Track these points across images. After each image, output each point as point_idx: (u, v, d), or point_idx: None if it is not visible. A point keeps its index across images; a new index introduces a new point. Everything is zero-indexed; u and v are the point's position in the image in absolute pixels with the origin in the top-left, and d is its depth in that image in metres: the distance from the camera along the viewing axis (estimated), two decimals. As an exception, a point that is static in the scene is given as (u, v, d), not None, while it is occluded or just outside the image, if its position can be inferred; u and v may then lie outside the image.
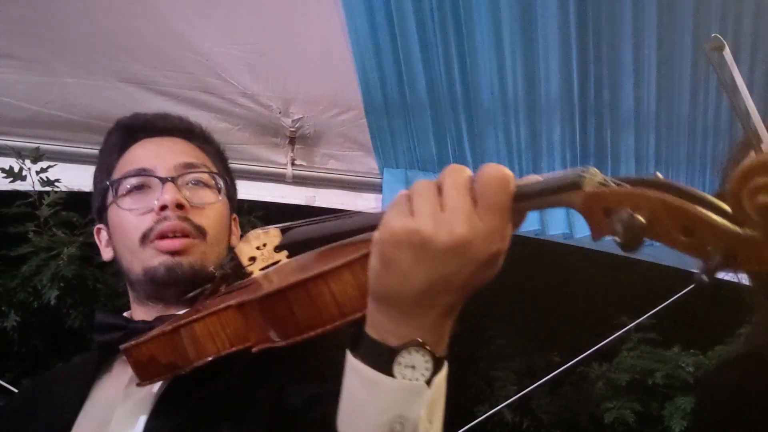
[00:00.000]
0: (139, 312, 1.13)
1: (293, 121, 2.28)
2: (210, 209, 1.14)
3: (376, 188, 2.35)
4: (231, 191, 1.26)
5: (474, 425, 2.50)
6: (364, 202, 2.43)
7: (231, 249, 1.22)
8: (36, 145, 2.11)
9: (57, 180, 2.16)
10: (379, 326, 0.63)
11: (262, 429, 0.85)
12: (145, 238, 1.08)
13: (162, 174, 1.11)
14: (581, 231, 2.31)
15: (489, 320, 4.04)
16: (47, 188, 2.18)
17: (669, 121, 2.27)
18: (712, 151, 2.31)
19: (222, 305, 0.82)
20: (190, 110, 2.15)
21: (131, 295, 1.16)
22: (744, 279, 1.26)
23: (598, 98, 2.22)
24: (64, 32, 1.98)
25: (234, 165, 1.34)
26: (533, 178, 0.66)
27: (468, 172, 0.66)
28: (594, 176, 0.57)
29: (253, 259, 0.98)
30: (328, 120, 2.29)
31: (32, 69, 2.03)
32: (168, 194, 1.08)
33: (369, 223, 0.74)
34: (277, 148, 2.36)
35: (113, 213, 1.15)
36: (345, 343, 0.67)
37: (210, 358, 0.83)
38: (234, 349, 0.81)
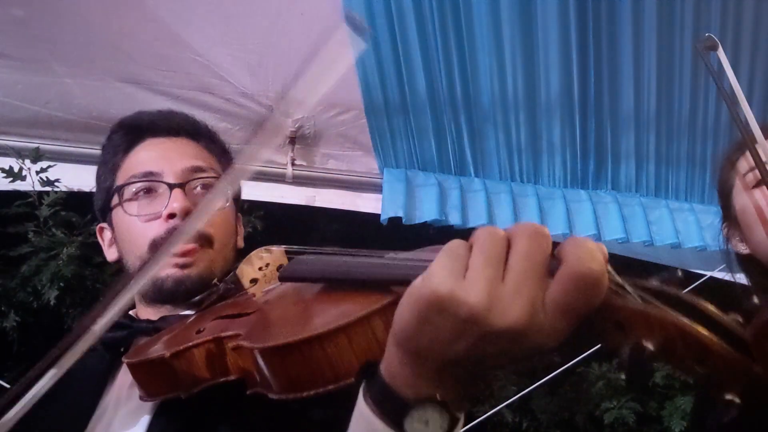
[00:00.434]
0: (144, 311, 1.13)
1: (293, 121, 2.28)
2: (217, 215, 1.12)
3: (376, 188, 2.34)
4: (237, 192, 1.25)
5: (474, 425, 2.50)
6: (364, 202, 2.43)
7: (238, 252, 1.22)
8: (36, 145, 2.11)
9: (57, 180, 2.16)
10: (396, 374, 0.57)
11: (266, 428, 0.85)
12: (154, 246, 1.07)
13: (169, 179, 1.10)
14: (581, 231, 2.31)
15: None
16: (47, 188, 2.17)
17: (669, 121, 2.27)
18: (712, 151, 2.31)
19: (221, 333, 0.80)
20: (189, 110, 2.12)
21: (136, 295, 1.16)
22: (742, 279, 1.26)
23: (598, 98, 2.22)
24: (64, 32, 1.98)
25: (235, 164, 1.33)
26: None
27: (548, 242, 0.54)
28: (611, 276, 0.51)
29: (255, 280, 0.96)
30: (328, 120, 2.29)
31: (32, 69, 2.03)
32: (176, 202, 1.06)
33: (389, 276, 0.67)
34: (277, 148, 2.36)
35: (119, 217, 1.13)
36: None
37: (209, 384, 0.82)
38: (233, 378, 0.79)
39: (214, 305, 1.01)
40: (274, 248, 0.97)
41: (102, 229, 1.23)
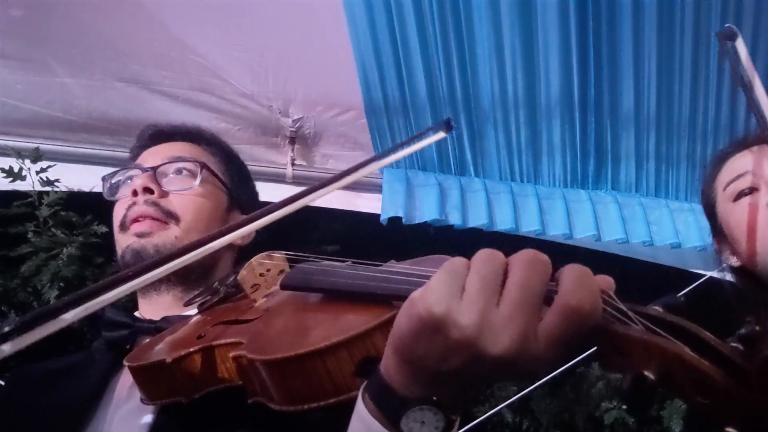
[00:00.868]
0: (145, 309, 1.14)
1: (293, 121, 2.28)
2: (188, 196, 1.15)
3: (376, 188, 2.34)
4: (237, 190, 1.27)
5: (474, 425, 2.50)
6: (364, 202, 2.43)
7: (236, 250, 1.23)
8: (36, 145, 2.11)
9: (57, 180, 2.16)
10: (394, 375, 0.58)
11: (269, 426, 0.85)
12: (122, 226, 1.14)
13: (145, 165, 1.18)
14: (581, 231, 2.31)
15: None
16: (47, 188, 2.17)
17: (669, 121, 2.27)
18: (712, 151, 2.30)
19: (222, 340, 0.80)
20: (190, 110, 2.16)
21: (138, 293, 1.18)
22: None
23: (598, 98, 2.22)
24: (64, 33, 1.98)
25: (246, 171, 1.37)
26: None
27: (547, 271, 0.55)
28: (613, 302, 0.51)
29: (256, 286, 0.97)
30: (328, 120, 2.29)
31: (31, 69, 2.03)
32: (139, 179, 1.14)
33: (390, 291, 0.67)
34: (277, 148, 2.36)
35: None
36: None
37: (210, 389, 0.82)
38: (234, 384, 0.79)
39: (215, 307, 1.01)
40: (276, 254, 0.98)
41: None
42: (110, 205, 1.26)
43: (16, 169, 2.10)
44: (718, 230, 1.26)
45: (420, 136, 1.21)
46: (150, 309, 1.13)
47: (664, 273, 2.48)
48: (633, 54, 2.13)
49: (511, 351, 0.52)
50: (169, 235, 1.11)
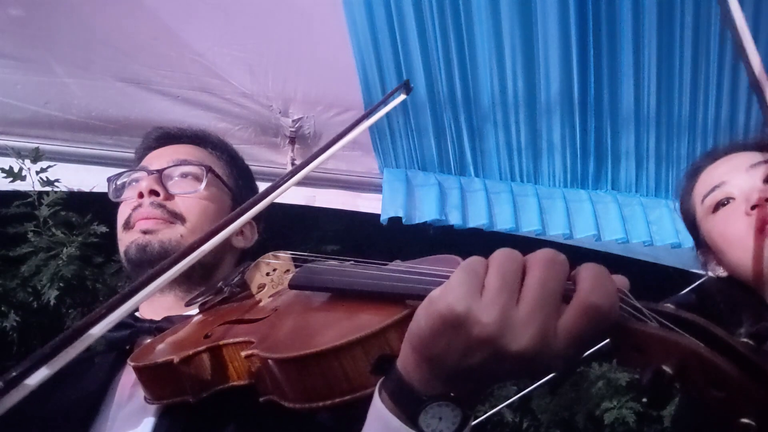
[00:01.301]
0: (146, 309, 1.14)
1: (293, 121, 2.28)
2: (193, 198, 1.17)
3: (376, 188, 2.34)
4: (242, 193, 1.28)
5: (474, 425, 2.50)
6: (364, 202, 2.43)
7: (238, 252, 1.23)
8: (36, 145, 2.11)
9: (57, 180, 2.16)
10: (412, 373, 0.59)
11: (276, 427, 0.85)
12: (126, 225, 1.16)
13: (151, 168, 1.19)
14: (581, 231, 2.31)
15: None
16: (47, 188, 2.17)
17: (669, 120, 2.27)
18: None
19: (231, 339, 0.80)
20: (189, 110, 2.15)
21: None
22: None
23: (598, 98, 2.22)
24: (63, 32, 1.98)
25: (251, 175, 1.38)
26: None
27: (565, 270, 0.56)
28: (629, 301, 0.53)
29: (262, 285, 0.97)
30: (328, 120, 2.29)
31: (31, 69, 2.03)
32: (144, 182, 1.15)
33: (405, 290, 0.67)
34: (277, 148, 2.36)
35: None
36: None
37: (218, 389, 0.82)
38: (242, 383, 0.79)
39: (217, 307, 1.01)
40: (282, 254, 0.98)
41: None
42: (110, 204, 1.26)
43: (16, 169, 2.10)
44: (701, 242, 1.26)
45: (383, 103, 1.22)
46: (151, 309, 1.13)
47: (664, 273, 2.48)
48: (633, 54, 2.13)
49: (531, 348, 0.53)
50: (174, 233, 1.13)
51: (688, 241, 2.37)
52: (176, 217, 1.15)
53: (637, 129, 2.29)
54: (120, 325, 1.07)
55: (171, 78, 2.12)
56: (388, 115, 2.22)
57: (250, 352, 0.75)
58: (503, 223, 2.25)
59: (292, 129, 2.29)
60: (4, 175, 2.10)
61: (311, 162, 1.02)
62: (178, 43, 2.03)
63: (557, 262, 0.56)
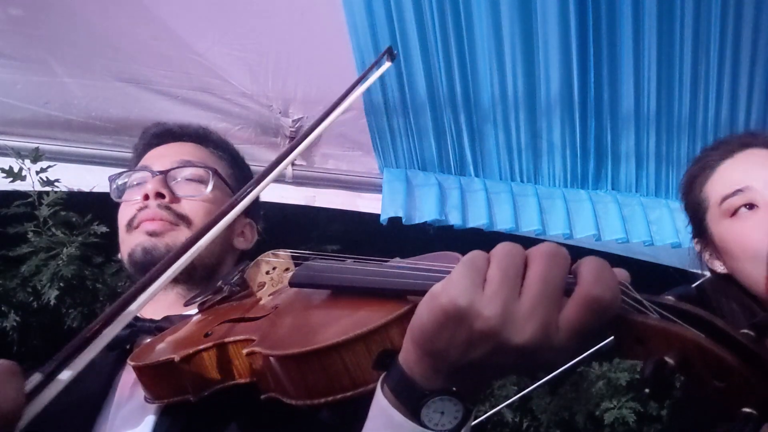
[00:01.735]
0: (146, 308, 1.14)
1: (293, 121, 2.28)
2: (196, 200, 1.17)
3: (376, 188, 2.34)
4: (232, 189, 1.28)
5: (474, 425, 2.50)
6: (364, 202, 2.43)
7: (238, 254, 1.23)
8: (36, 145, 2.11)
9: (57, 180, 2.16)
10: (414, 367, 0.59)
11: (271, 428, 0.85)
12: (129, 226, 1.15)
13: (156, 169, 1.18)
14: (581, 231, 2.31)
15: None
16: (47, 188, 2.17)
17: (669, 121, 2.27)
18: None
19: (232, 337, 0.80)
20: (189, 110, 2.15)
21: None
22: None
23: (598, 98, 2.22)
24: (63, 32, 1.98)
25: (251, 173, 1.38)
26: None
27: (566, 264, 0.56)
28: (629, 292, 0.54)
29: (262, 284, 0.97)
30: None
31: (31, 69, 2.02)
32: (150, 184, 1.15)
33: (406, 286, 0.68)
34: (277, 148, 2.36)
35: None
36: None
37: (219, 387, 0.82)
38: (244, 381, 0.79)
39: (217, 306, 1.01)
40: (281, 252, 0.98)
41: None
42: (110, 204, 1.26)
43: (16, 169, 2.10)
44: (704, 236, 1.23)
45: (367, 73, 1.22)
46: (151, 308, 1.13)
47: (664, 273, 2.48)
48: (633, 54, 2.13)
49: (533, 341, 0.53)
50: (179, 236, 1.12)
51: (688, 242, 2.38)
52: (182, 220, 1.15)
53: (637, 129, 2.29)
54: None
55: (171, 78, 2.12)
56: (388, 115, 2.23)
57: (251, 349, 0.75)
58: (503, 223, 2.25)
59: (292, 129, 2.29)
60: (4, 175, 2.09)
61: (301, 143, 1.02)
62: (178, 43, 2.03)
63: (559, 256, 0.56)
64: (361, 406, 0.64)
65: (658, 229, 2.35)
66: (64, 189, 2.19)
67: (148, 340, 1.03)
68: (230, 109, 2.21)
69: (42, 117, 2.13)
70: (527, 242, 0.58)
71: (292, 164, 2.32)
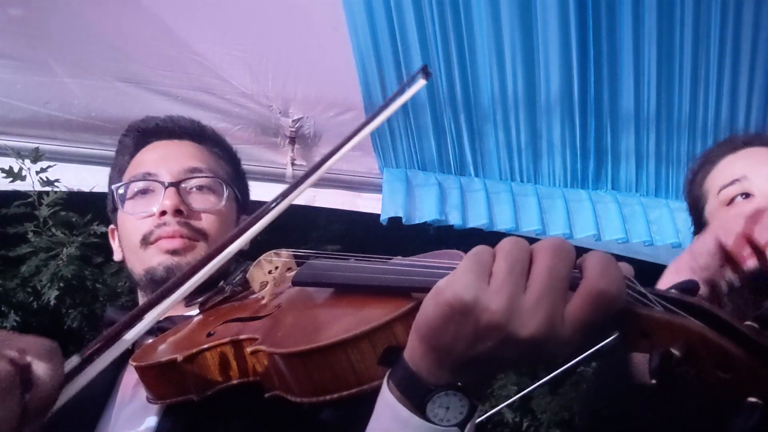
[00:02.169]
0: None
1: (293, 121, 2.28)
2: (212, 214, 1.15)
3: (376, 188, 2.34)
4: (242, 195, 1.27)
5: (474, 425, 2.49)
6: (364, 202, 2.43)
7: (240, 254, 1.23)
8: (35, 145, 2.11)
9: (56, 180, 2.16)
10: (420, 363, 0.59)
11: (277, 429, 0.85)
12: (144, 241, 1.11)
13: (165, 179, 1.14)
14: (581, 231, 2.31)
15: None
16: (47, 188, 2.17)
17: (669, 120, 2.27)
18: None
19: (235, 336, 0.80)
20: (189, 110, 2.15)
21: (138, 294, 1.18)
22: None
23: (598, 98, 2.22)
24: (63, 32, 1.98)
25: (243, 167, 1.36)
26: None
27: (572, 257, 0.56)
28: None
29: (264, 283, 0.97)
30: (328, 120, 2.29)
31: (30, 69, 2.03)
32: (168, 200, 1.11)
33: (410, 283, 0.68)
34: (277, 148, 2.36)
35: (120, 216, 1.19)
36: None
37: (222, 387, 0.82)
38: (247, 380, 0.79)
39: (218, 306, 1.01)
40: (283, 252, 0.98)
41: (113, 230, 1.28)
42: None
43: (16, 169, 2.10)
44: (703, 230, 1.25)
45: (401, 91, 1.22)
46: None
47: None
48: (633, 54, 2.13)
49: (539, 334, 0.53)
50: (199, 253, 1.10)
51: (688, 241, 2.38)
52: (200, 235, 1.13)
53: (637, 129, 2.29)
54: None
55: (171, 78, 2.12)
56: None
57: (255, 348, 0.75)
58: (503, 223, 2.25)
59: (292, 129, 2.29)
60: (4, 175, 2.09)
61: (330, 158, 1.01)
62: (178, 43, 2.04)
63: (564, 250, 0.56)
64: (364, 405, 0.64)
65: (658, 229, 2.35)
66: (64, 189, 2.19)
67: (150, 340, 1.03)
68: (230, 109, 2.22)
69: (42, 117, 2.13)
70: (527, 242, 0.58)
71: (292, 164, 2.33)
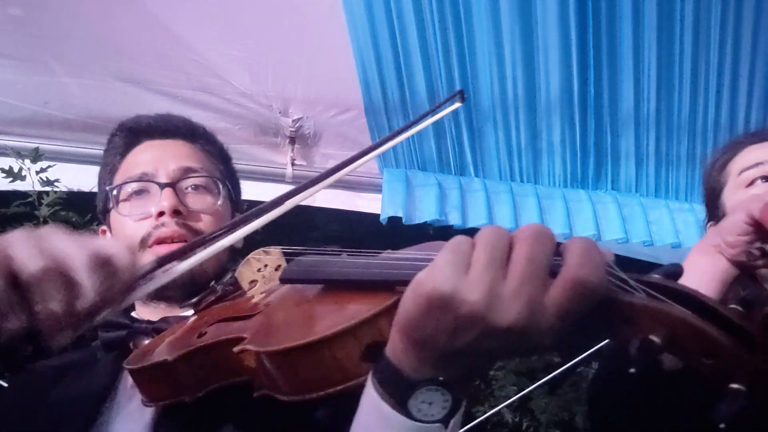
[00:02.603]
0: (144, 311, 1.13)
1: (293, 121, 2.28)
2: (209, 214, 1.15)
3: (376, 188, 2.34)
4: (234, 193, 1.27)
5: (474, 425, 2.50)
6: (364, 202, 2.43)
7: (228, 252, 1.22)
8: (35, 145, 2.11)
9: (56, 180, 2.16)
10: (401, 358, 0.59)
11: (271, 427, 0.84)
12: (143, 244, 1.09)
13: (161, 179, 1.13)
14: (581, 231, 2.31)
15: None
16: (47, 188, 2.17)
17: (669, 121, 2.27)
18: (712, 151, 2.31)
19: (224, 336, 0.80)
20: (189, 110, 2.15)
21: None
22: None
23: (598, 98, 2.22)
24: (62, 32, 1.98)
25: (234, 165, 1.35)
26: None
27: (552, 244, 0.55)
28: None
29: (254, 282, 0.97)
30: (328, 120, 2.29)
31: (30, 69, 2.03)
32: (166, 201, 1.10)
33: (393, 277, 0.67)
34: (277, 148, 2.36)
35: (114, 217, 1.17)
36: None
37: (213, 387, 0.82)
38: (238, 379, 0.79)
39: (212, 307, 1.01)
40: (272, 249, 0.97)
41: (103, 231, 1.27)
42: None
43: (15, 169, 2.10)
44: (718, 216, 1.26)
45: (437, 109, 1.21)
46: (147, 310, 1.13)
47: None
48: (633, 54, 2.13)
49: (519, 323, 0.52)
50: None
51: (688, 241, 2.39)
52: (198, 235, 1.10)
53: (637, 129, 2.29)
54: (116, 326, 1.07)
55: (171, 78, 2.12)
56: (388, 115, 2.23)
57: (242, 347, 0.75)
58: (503, 223, 2.25)
59: (292, 129, 2.29)
60: (4, 175, 2.09)
61: (350, 164, 1.01)
62: (178, 44, 2.04)
63: (544, 236, 0.55)
64: (356, 403, 0.64)
65: (658, 229, 2.35)
66: (64, 189, 2.19)
67: (147, 341, 1.03)
68: (230, 109, 2.22)
69: (42, 117, 2.13)
70: (507, 230, 0.58)
71: (292, 164, 2.33)
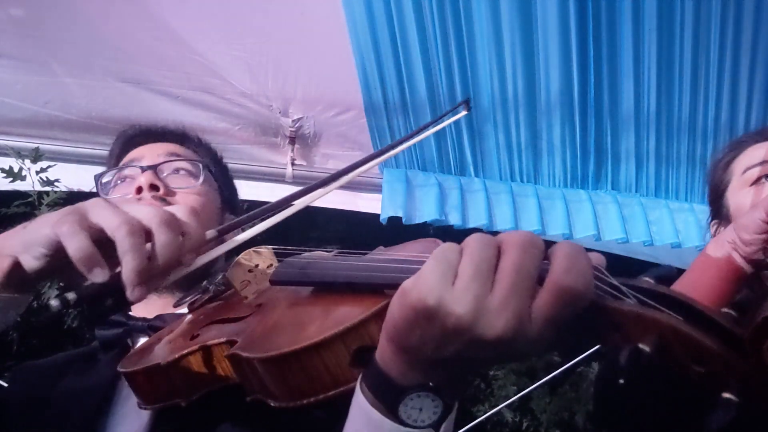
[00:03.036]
0: (139, 307, 1.13)
1: (293, 121, 2.28)
2: (190, 194, 1.16)
3: (376, 188, 2.34)
4: (227, 192, 1.28)
5: (474, 425, 2.50)
6: (364, 202, 2.43)
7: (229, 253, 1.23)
8: (35, 145, 2.11)
9: (57, 180, 2.16)
10: (390, 364, 0.58)
11: (267, 425, 0.84)
12: None
13: (143, 163, 1.16)
14: (581, 231, 2.31)
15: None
16: (47, 188, 2.17)
17: (669, 121, 2.27)
18: (712, 151, 2.31)
19: (216, 340, 0.79)
20: (189, 110, 2.16)
21: None
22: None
23: (598, 98, 2.22)
24: (63, 32, 1.98)
25: (234, 165, 1.37)
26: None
27: (540, 253, 0.54)
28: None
29: (245, 282, 0.96)
30: (328, 120, 2.29)
31: (31, 69, 2.03)
32: (143, 177, 1.12)
33: (382, 280, 0.67)
34: (277, 148, 2.36)
35: None
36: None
37: (208, 389, 0.82)
38: (232, 382, 0.79)
39: (205, 306, 1.01)
40: (263, 249, 0.97)
41: None
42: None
43: (16, 169, 2.10)
44: (721, 215, 1.26)
45: (440, 119, 1.21)
46: (144, 307, 1.13)
47: (664, 273, 2.48)
48: (633, 54, 2.13)
49: (506, 334, 0.51)
50: None
51: (688, 241, 2.39)
52: None
53: (637, 129, 2.29)
54: (112, 324, 1.07)
55: (171, 78, 2.12)
56: (388, 115, 2.23)
57: (232, 352, 0.74)
58: (503, 223, 2.25)
59: (292, 129, 2.29)
60: (4, 175, 2.09)
61: (356, 168, 1.02)
62: (178, 44, 2.04)
63: (533, 245, 0.54)
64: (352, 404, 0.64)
65: (657, 229, 2.35)
66: (64, 189, 2.19)
67: (143, 339, 1.03)
68: (230, 109, 2.22)
69: (42, 117, 2.13)
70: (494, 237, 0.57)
71: (292, 164, 2.33)
